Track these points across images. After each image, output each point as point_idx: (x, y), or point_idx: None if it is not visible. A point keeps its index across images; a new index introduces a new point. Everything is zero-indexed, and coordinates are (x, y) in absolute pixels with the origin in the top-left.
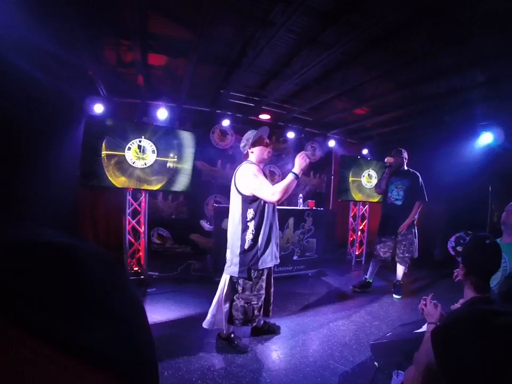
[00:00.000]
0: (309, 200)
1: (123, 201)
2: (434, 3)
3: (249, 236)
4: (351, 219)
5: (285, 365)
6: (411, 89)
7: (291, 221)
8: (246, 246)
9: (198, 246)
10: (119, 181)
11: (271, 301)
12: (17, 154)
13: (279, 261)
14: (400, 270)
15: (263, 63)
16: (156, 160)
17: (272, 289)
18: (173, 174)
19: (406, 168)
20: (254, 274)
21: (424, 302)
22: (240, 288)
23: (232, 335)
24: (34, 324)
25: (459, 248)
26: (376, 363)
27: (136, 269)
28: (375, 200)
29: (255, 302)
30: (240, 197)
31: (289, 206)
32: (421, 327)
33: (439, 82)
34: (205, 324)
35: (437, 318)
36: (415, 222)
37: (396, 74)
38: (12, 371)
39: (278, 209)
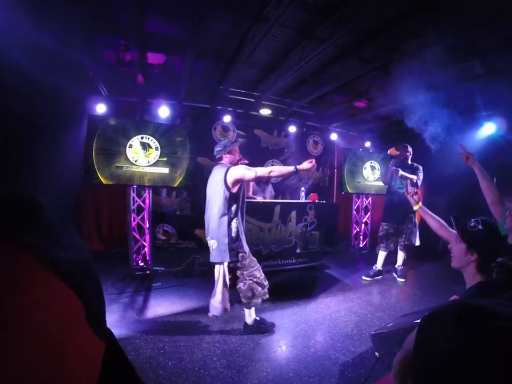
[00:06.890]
0: (312, 194)
1: (126, 198)
2: None
3: (233, 225)
4: (354, 212)
5: (286, 355)
6: None
7: (293, 214)
8: (233, 235)
9: (202, 241)
10: (121, 178)
11: None
12: (18, 153)
13: None
14: (400, 256)
15: (260, 58)
16: (159, 156)
17: None
18: (176, 170)
19: (409, 162)
20: (242, 256)
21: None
22: (241, 266)
23: (258, 318)
24: (27, 242)
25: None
26: (376, 353)
27: (141, 264)
28: (378, 192)
29: (259, 275)
30: (228, 194)
31: (292, 199)
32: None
33: (436, 75)
34: (216, 312)
35: None
36: (415, 214)
37: (390, 67)
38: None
39: (280, 203)
